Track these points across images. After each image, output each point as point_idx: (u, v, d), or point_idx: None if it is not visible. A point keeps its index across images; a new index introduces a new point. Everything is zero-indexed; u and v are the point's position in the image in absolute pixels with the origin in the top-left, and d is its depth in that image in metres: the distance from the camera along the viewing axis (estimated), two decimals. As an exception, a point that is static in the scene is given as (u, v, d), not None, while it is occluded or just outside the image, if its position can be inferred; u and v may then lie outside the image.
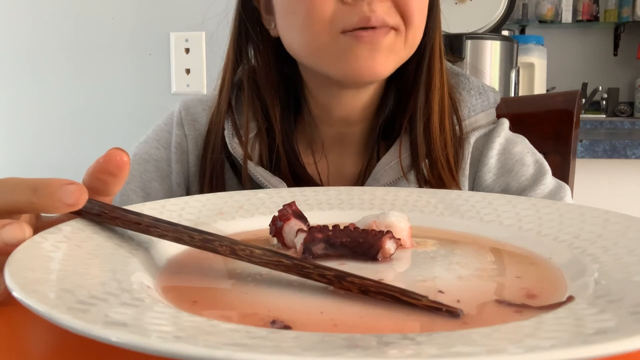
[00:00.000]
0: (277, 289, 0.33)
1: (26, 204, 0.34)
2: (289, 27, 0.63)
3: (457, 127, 0.70)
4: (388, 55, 0.60)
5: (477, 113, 0.71)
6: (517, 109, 0.85)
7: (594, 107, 2.80)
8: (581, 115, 0.97)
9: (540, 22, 2.82)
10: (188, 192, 0.73)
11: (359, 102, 0.68)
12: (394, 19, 0.59)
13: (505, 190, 0.68)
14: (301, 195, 0.51)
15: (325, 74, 0.64)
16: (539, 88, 2.27)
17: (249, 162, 0.67)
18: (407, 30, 0.61)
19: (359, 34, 0.58)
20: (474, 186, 0.70)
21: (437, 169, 0.66)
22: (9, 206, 0.35)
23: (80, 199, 0.35)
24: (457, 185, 0.67)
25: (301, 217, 0.42)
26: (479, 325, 0.26)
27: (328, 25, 0.59)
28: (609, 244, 0.36)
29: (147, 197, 0.71)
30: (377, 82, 0.67)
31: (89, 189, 0.36)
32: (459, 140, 0.70)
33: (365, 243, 0.38)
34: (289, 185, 0.66)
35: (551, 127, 0.85)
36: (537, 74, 2.25)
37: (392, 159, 0.67)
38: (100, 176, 0.38)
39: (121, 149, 0.38)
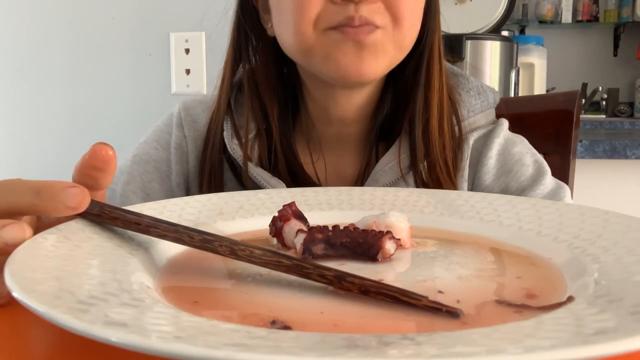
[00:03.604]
0: (277, 289, 0.33)
1: (28, 206, 0.35)
2: (280, 26, 0.64)
3: (456, 128, 0.70)
4: (375, 55, 0.60)
5: (476, 113, 0.71)
6: (517, 109, 0.85)
7: (594, 107, 2.79)
8: (581, 116, 0.97)
9: (540, 22, 2.82)
10: (188, 193, 0.73)
11: (356, 101, 0.68)
12: (382, 19, 0.59)
13: (505, 191, 0.68)
14: (301, 196, 0.51)
15: (315, 72, 0.64)
16: (539, 88, 2.27)
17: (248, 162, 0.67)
18: (396, 31, 0.60)
19: (344, 29, 0.58)
20: (474, 187, 0.70)
21: (435, 172, 0.66)
22: (10, 207, 0.35)
23: (83, 202, 0.35)
24: (454, 189, 0.67)
25: (301, 217, 0.42)
26: (479, 325, 0.26)
27: (314, 24, 0.59)
28: (609, 244, 0.36)
29: (147, 198, 0.71)
30: (371, 83, 0.66)
31: None
32: (458, 141, 0.70)
33: (365, 243, 0.38)
34: (288, 186, 0.66)
35: (551, 127, 0.85)
36: (537, 74, 2.25)
37: (392, 160, 0.67)
38: (89, 172, 0.38)
39: (105, 143, 0.38)
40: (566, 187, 0.68)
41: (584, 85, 2.65)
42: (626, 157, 1.44)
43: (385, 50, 0.61)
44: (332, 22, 0.58)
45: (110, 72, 1.49)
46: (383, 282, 0.31)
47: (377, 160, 0.68)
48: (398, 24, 0.60)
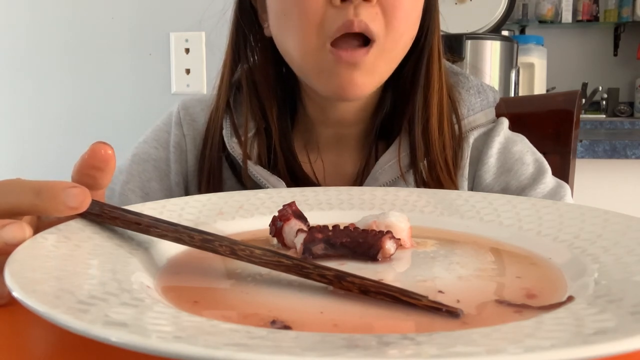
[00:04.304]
0: (277, 289, 0.33)
1: (29, 206, 0.35)
2: (282, 29, 0.64)
3: (456, 127, 0.70)
4: (368, 75, 0.60)
5: (476, 112, 0.71)
6: (517, 109, 0.85)
7: (594, 107, 2.80)
8: (581, 116, 0.97)
9: (540, 22, 2.82)
10: (187, 192, 0.73)
11: (353, 105, 0.68)
12: (378, 27, 0.59)
13: (505, 190, 0.68)
14: (301, 196, 0.51)
15: (309, 84, 0.64)
16: (539, 88, 2.27)
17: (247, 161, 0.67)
18: (388, 39, 0.60)
19: (339, 54, 0.58)
20: (474, 185, 0.70)
21: (435, 171, 0.66)
22: (11, 207, 0.35)
23: (84, 202, 0.35)
24: (455, 188, 0.66)
25: (301, 217, 0.42)
26: (479, 325, 0.26)
27: (318, 29, 0.59)
28: (609, 244, 0.36)
29: (146, 197, 0.71)
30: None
31: None
32: (458, 140, 0.70)
33: (365, 243, 0.38)
34: (287, 185, 0.66)
35: (551, 127, 0.85)
36: (537, 74, 2.25)
37: (391, 158, 0.67)
38: (88, 172, 0.39)
39: (104, 142, 0.39)
40: (566, 186, 0.68)
41: (584, 85, 2.65)
42: (626, 157, 1.44)
43: (376, 69, 0.61)
44: (333, 26, 0.58)
45: (110, 72, 1.49)
46: (383, 282, 0.31)
47: (376, 159, 0.68)
48: (391, 31, 0.60)
